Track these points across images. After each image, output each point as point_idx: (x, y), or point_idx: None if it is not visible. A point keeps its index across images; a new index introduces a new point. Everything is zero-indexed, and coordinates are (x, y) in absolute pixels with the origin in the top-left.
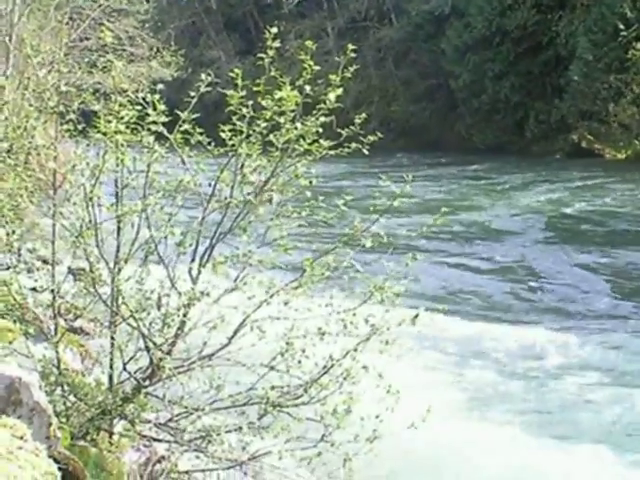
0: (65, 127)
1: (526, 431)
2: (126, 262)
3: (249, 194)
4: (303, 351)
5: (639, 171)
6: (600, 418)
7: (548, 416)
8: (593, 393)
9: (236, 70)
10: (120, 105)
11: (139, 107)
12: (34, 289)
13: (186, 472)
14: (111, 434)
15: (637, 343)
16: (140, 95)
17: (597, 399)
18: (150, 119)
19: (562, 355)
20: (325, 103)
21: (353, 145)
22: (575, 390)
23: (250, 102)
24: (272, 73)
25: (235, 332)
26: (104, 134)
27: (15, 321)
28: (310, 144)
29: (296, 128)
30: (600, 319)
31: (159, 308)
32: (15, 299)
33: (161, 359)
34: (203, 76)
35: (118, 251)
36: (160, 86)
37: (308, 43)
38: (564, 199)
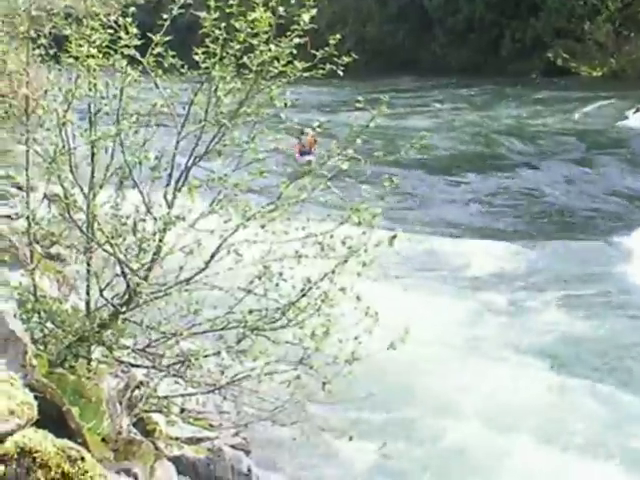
0: (37, 52)
1: (503, 348)
2: (101, 187)
3: (224, 117)
4: (280, 274)
5: (614, 89)
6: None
7: (527, 335)
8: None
9: None
10: (92, 29)
11: (111, 31)
12: (9, 216)
13: (165, 397)
14: (89, 361)
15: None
16: (112, 18)
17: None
18: (122, 43)
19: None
20: (299, 24)
21: (328, 66)
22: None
23: (223, 24)
24: None
25: (212, 256)
26: (76, 59)
27: None
28: (284, 66)
29: (270, 50)
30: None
31: (135, 233)
32: None
33: (138, 284)
34: None
35: (93, 177)
36: (132, 9)
37: None
38: (535, 116)
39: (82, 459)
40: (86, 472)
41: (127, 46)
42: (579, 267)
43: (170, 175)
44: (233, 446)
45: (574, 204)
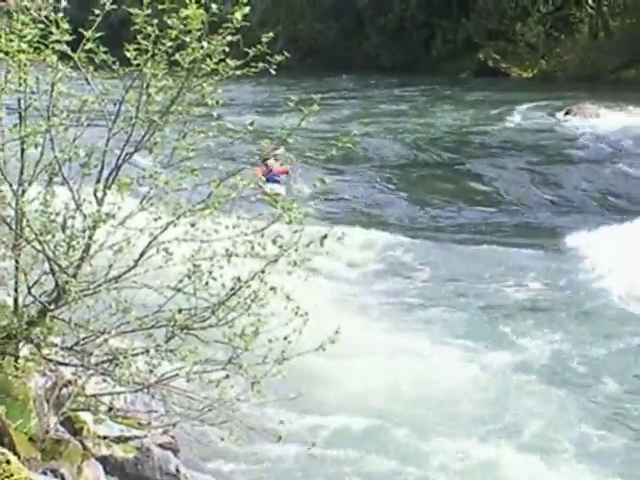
0: None
1: (433, 343)
2: (30, 184)
3: (155, 114)
4: (210, 273)
5: (544, 90)
6: None
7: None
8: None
9: None
10: (23, 24)
11: (42, 26)
12: None
13: (93, 396)
14: (16, 358)
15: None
16: (43, 13)
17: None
18: (54, 38)
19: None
20: (232, 22)
21: (260, 65)
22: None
23: (156, 21)
24: None
25: (141, 254)
26: (6, 53)
27: None
28: (217, 63)
29: (202, 47)
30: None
31: (64, 230)
32: None
33: (67, 282)
34: None
35: (22, 173)
36: (64, 4)
37: None
38: (469, 116)
39: (7, 462)
40: (11, 475)
41: (58, 41)
42: (506, 270)
43: (100, 172)
44: (162, 445)
45: (509, 205)
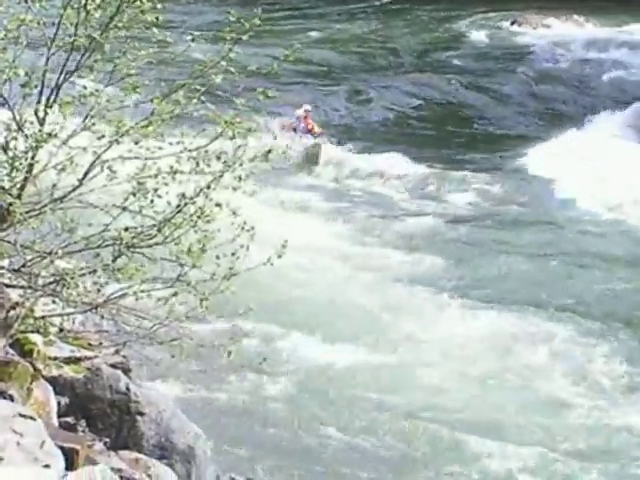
0: None
1: (372, 258)
2: None
3: (94, 31)
4: (155, 191)
5: (490, 2)
6: None
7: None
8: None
9: None
10: None
11: None
12: None
13: (42, 317)
14: None
15: None
16: None
17: None
18: None
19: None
20: None
21: None
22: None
23: None
24: None
25: (85, 174)
26: None
27: None
28: None
29: None
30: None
31: (6, 152)
32: None
33: (11, 204)
34: None
35: None
36: None
37: None
38: (415, 31)
39: None
40: None
41: None
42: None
43: (41, 92)
44: (113, 365)
45: (463, 118)
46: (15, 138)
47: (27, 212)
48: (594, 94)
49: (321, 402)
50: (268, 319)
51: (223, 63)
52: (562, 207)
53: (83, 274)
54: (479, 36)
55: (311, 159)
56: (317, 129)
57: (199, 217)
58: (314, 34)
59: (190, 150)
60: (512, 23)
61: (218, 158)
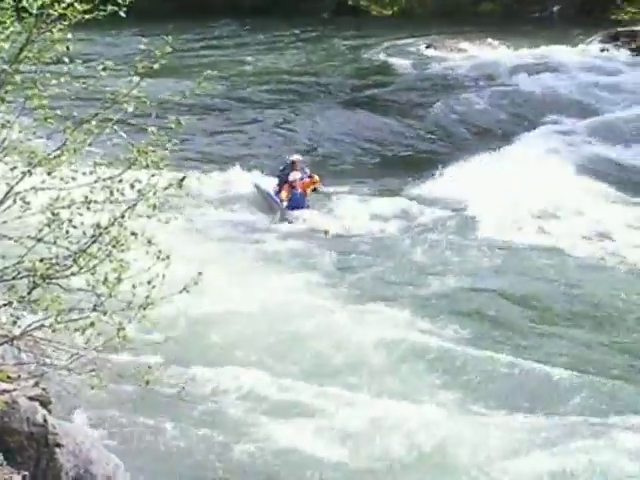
0: None
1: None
2: None
3: (4, 63)
4: (70, 221)
5: (405, 27)
6: None
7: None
8: None
9: None
10: None
11: None
12: None
13: None
14: None
15: None
16: None
17: None
18: None
19: None
20: None
21: (109, 8)
22: None
23: None
24: None
25: None
26: None
27: None
28: (65, 8)
29: None
30: None
31: None
32: None
33: None
34: None
35: None
36: None
37: None
38: (330, 56)
39: None
40: None
41: None
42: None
43: None
44: (31, 397)
45: (376, 141)
46: None
47: None
48: (509, 115)
49: (241, 426)
50: (185, 347)
51: (135, 92)
52: (463, 227)
53: None
54: (399, 62)
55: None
56: (316, 178)
57: (114, 246)
58: (236, 65)
59: (104, 179)
60: (427, 47)
61: (132, 187)
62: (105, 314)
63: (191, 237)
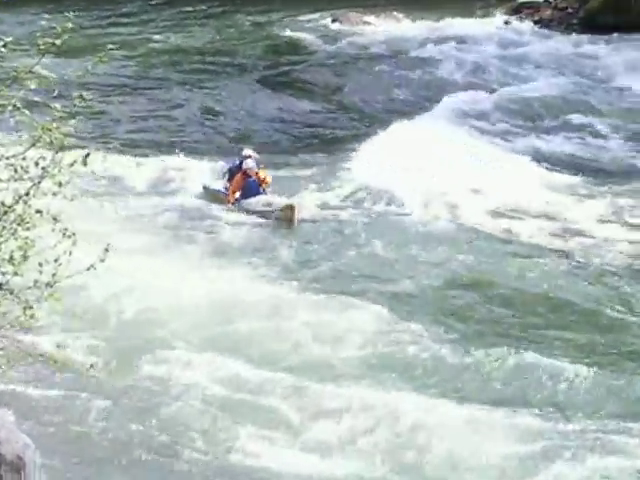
0: None
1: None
2: None
3: None
4: None
5: (308, 0)
6: None
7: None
8: None
9: None
10: None
11: None
12: None
13: None
14: None
15: None
16: None
17: None
18: None
19: None
20: None
21: None
22: None
23: None
24: None
25: None
26: None
27: None
28: None
29: None
30: None
31: None
32: None
33: None
34: None
35: None
36: None
37: None
38: (240, 33)
39: None
40: None
41: None
42: None
43: None
44: None
45: (291, 122)
46: None
47: None
48: (419, 88)
49: (162, 413)
50: (95, 323)
51: (38, 69)
52: (392, 205)
53: None
54: (307, 37)
55: (283, 223)
56: (268, 178)
57: (19, 224)
58: (145, 42)
59: (7, 157)
60: (333, 21)
61: (36, 164)
62: (11, 293)
63: (133, 225)
